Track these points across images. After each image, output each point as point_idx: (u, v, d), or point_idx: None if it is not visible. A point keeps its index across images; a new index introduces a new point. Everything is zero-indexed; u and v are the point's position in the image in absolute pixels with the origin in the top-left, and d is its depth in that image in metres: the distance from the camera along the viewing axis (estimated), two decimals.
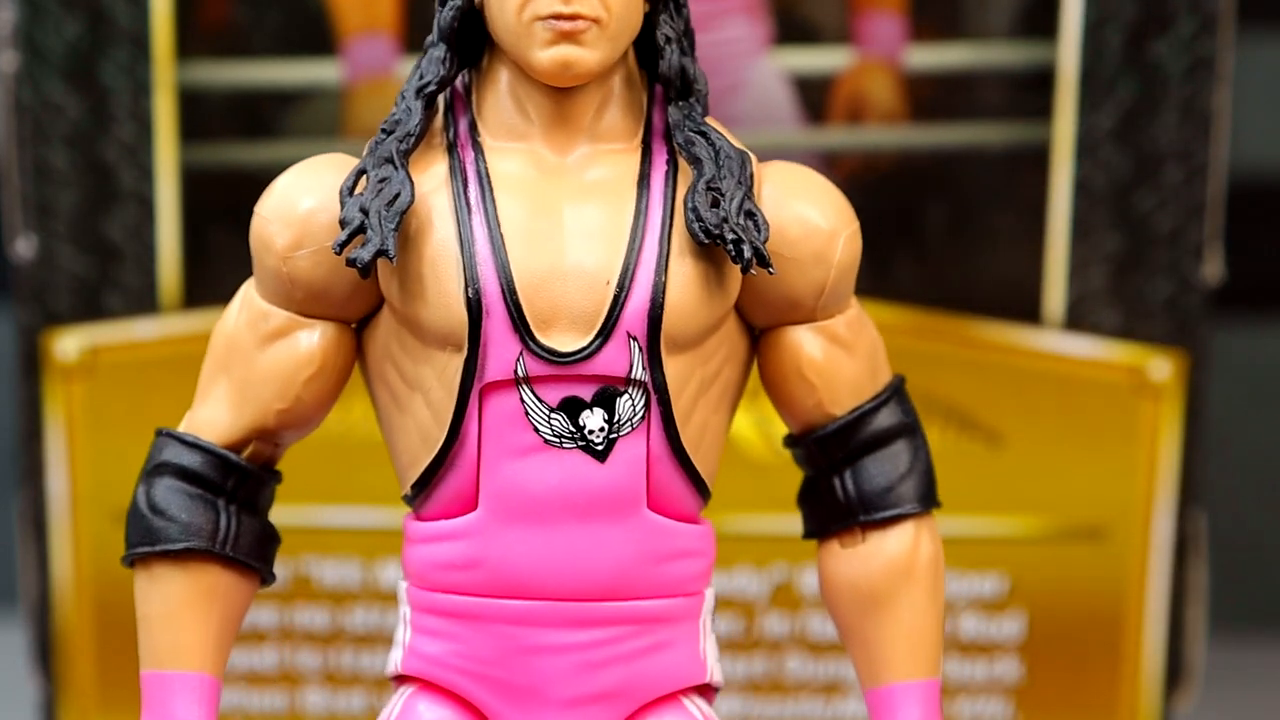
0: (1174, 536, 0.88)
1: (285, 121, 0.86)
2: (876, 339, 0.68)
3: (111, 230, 0.86)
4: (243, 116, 0.85)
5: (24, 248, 0.86)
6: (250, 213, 0.89)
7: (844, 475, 0.67)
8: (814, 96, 0.86)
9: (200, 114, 0.85)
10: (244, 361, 0.66)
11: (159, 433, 0.67)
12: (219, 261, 0.86)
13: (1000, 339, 0.87)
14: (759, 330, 0.67)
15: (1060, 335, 0.87)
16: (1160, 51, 0.85)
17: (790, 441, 0.68)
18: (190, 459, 0.66)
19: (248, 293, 0.67)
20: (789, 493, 0.69)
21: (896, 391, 0.68)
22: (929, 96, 0.86)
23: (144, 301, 0.86)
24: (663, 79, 0.65)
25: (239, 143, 0.86)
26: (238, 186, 0.86)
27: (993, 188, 0.86)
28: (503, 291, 0.63)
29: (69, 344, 0.87)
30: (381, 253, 0.62)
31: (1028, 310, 0.87)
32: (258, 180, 0.86)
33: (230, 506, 0.66)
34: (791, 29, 0.86)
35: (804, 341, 0.66)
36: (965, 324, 0.87)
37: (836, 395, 0.67)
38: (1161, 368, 0.87)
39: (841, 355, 0.67)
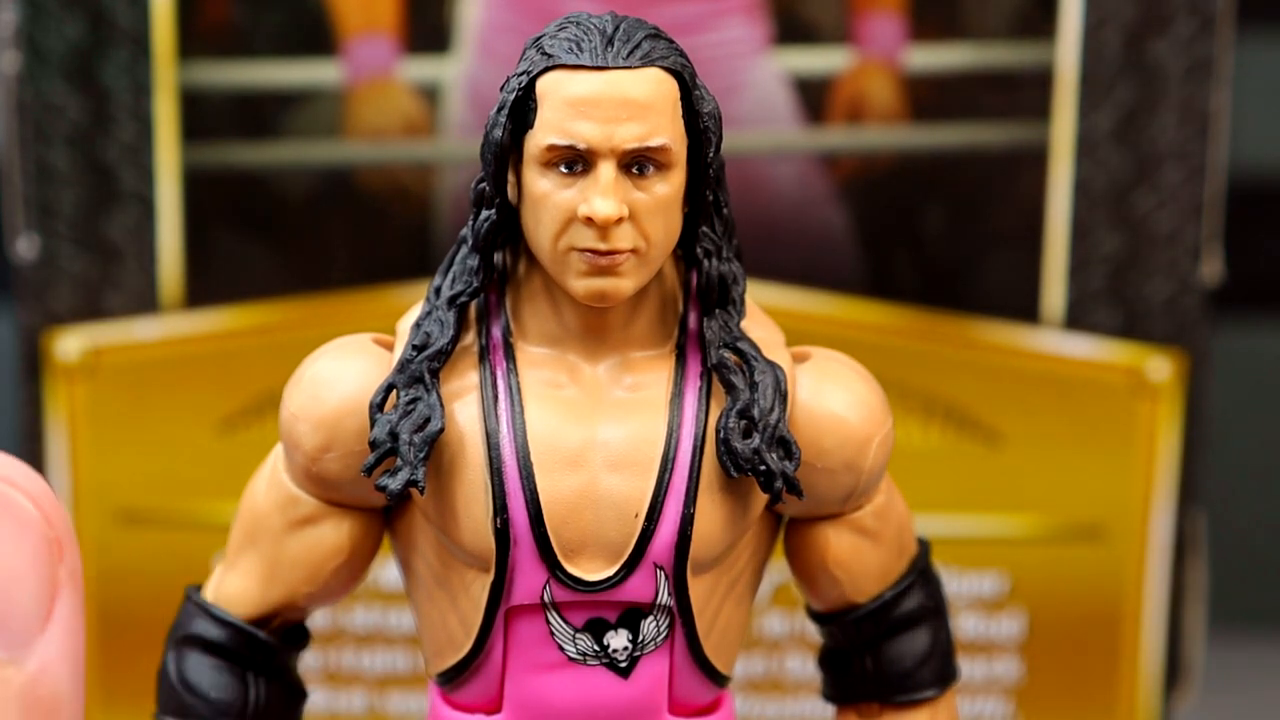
0: (1173, 536, 0.88)
1: (286, 122, 0.86)
2: (903, 514, 0.67)
3: (112, 230, 0.86)
4: (243, 117, 0.86)
5: (25, 248, 0.86)
6: (250, 213, 0.89)
7: (865, 656, 0.67)
8: (814, 97, 0.86)
9: (201, 114, 0.85)
10: (272, 541, 0.66)
11: (189, 595, 0.67)
12: (220, 262, 0.86)
13: (999, 339, 0.87)
14: (784, 516, 0.66)
15: (1059, 335, 0.87)
16: (1159, 52, 0.85)
17: (814, 616, 0.69)
18: (218, 634, 0.66)
19: (277, 470, 0.66)
20: None
21: (921, 572, 0.68)
22: (928, 97, 0.86)
23: (145, 302, 0.86)
24: (699, 290, 0.64)
25: (240, 143, 0.86)
26: (239, 187, 0.86)
27: (992, 188, 0.86)
28: (530, 522, 0.62)
29: (70, 344, 0.87)
30: (412, 483, 0.62)
31: (1027, 310, 0.87)
32: (258, 180, 0.87)
33: (259, 679, 0.66)
34: (791, 29, 0.86)
35: (830, 537, 0.66)
36: (965, 324, 0.87)
37: (861, 585, 0.67)
38: (1160, 368, 0.87)
39: (867, 546, 0.66)
